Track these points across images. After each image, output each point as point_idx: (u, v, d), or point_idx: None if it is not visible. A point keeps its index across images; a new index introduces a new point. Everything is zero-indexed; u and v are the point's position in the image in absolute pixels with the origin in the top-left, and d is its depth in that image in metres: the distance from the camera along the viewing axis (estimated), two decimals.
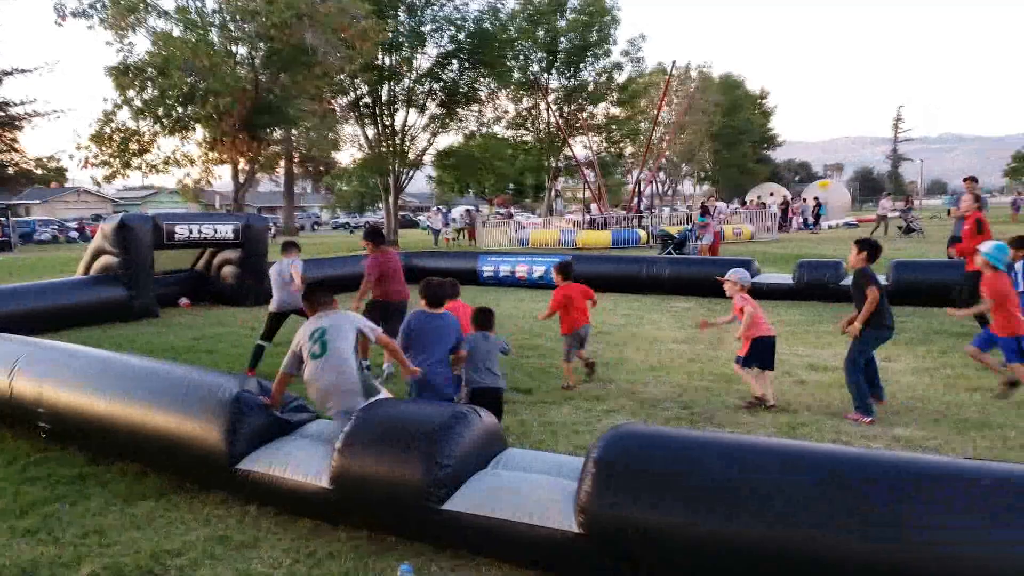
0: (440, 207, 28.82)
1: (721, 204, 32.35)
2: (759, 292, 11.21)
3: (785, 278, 11.44)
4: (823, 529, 2.53)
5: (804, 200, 35.37)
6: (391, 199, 28.40)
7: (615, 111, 36.40)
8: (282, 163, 37.52)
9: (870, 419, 5.06)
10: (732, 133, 54.05)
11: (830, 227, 33.31)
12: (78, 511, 3.82)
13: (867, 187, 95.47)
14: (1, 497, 4.01)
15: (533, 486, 3.20)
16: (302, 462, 3.61)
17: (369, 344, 4.41)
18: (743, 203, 36.96)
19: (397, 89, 26.73)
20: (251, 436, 3.81)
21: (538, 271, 13.72)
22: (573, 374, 6.32)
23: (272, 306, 7.26)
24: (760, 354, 5.59)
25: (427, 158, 30.50)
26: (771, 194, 37.91)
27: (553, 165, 34.86)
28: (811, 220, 31.98)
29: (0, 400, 4.81)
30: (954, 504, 2.45)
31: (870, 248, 5.36)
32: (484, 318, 4.91)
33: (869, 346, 5.32)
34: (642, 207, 30.81)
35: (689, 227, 19.98)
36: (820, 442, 4.45)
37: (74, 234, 41.05)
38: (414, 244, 26.28)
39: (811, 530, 2.55)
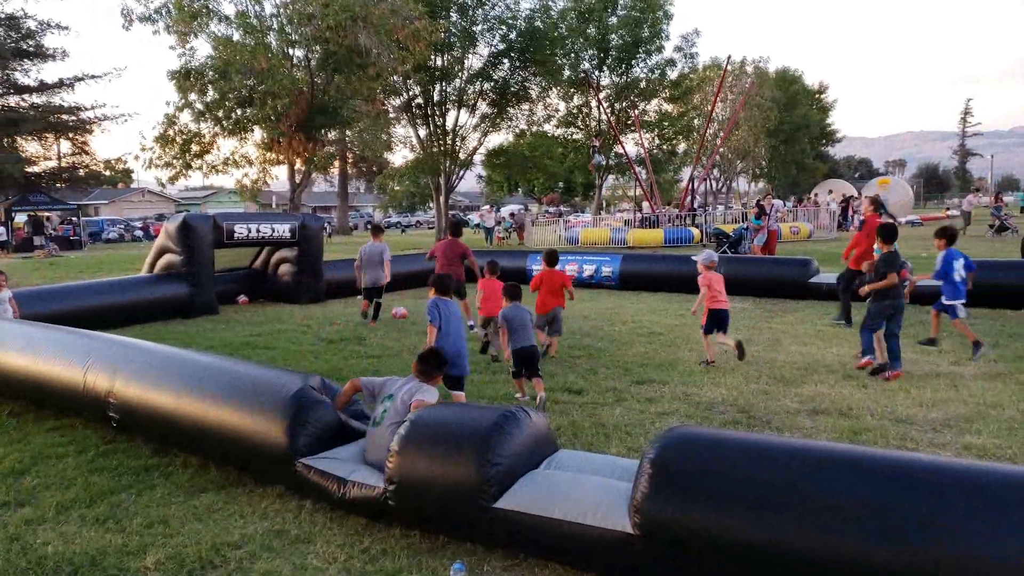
0: (492, 205, 28.83)
1: (778, 202, 31.57)
2: (817, 293, 10.93)
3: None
4: (886, 540, 2.42)
5: (859, 196, 34.18)
6: (442, 198, 28.65)
7: (668, 107, 35.87)
8: (336, 163, 38.28)
9: (866, 360, 6.42)
10: (789, 129, 52.65)
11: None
12: (143, 501, 3.96)
13: (932, 184, 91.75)
14: (72, 486, 4.18)
15: (586, 486, 3.17)
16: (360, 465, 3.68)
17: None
18: (799, 201, 35.99)
19: (448, 89, 26.94)
20: (313, 433, 3.87)
21: (588, 270, 13.62)
22: (545, 338, 7.29)
23: (366, 282, 9.61)
24: (717, 323, 6.90)
25: (477, 157, 30.67)
26: (829, 192, 36.76)
27: (592, 154, 34.62)
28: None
29: (75, 391, 5.01)
30: None
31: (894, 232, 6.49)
32: (514, 292, 6.01)
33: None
34: (695, 205, 30.28)
35: (744, 225, 19.54)
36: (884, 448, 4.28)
37: (139, 233, 42.81)
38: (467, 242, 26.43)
39: (873, 540, 2.44)
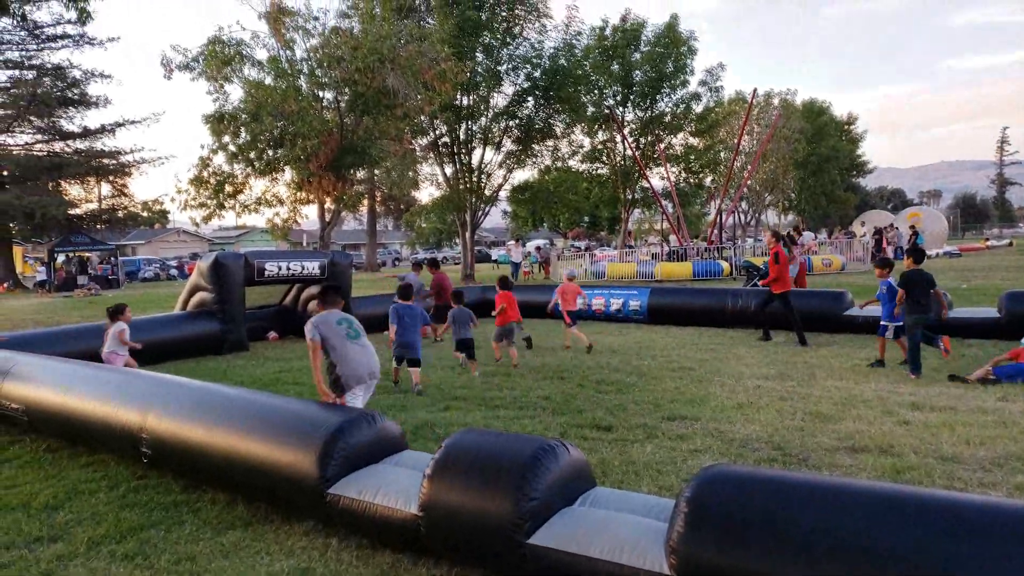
0: (517, 239, 28.78)
1: (807, 234, 31.20)
2: (852, 325, 10.68)
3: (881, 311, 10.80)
4: None
5: (895, 228, 33.60)
6: (467, 234, 28.86)
7: (693, 141, 35.91)
8: (365, 202, 38.90)
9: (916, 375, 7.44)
10: (817, 160, 52.28)
11: (929, 257, 31.51)
12: (172, 538, 3.95)
13: (969, 214, 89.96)
14: (103, 522, 4.19)
15: (622, 524, 3.09)
16: (392, 489, 3.63)
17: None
18: (830, 234, 35.50)
19: (474, 128, 27.34)
20: (343, 462, 3.85)
21: (616, 304, 13.52)
22: (499, 352, 9.26)
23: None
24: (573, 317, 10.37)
25: (502, 193, 30.91)
26: (862, 224, 36.22)
27: (629, 198, 34.61)
28: (906, 249, 30.34)
29: (108, 427, 5.06)
30: None
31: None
32: (459, 297, 9.00)
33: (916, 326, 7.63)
34: (724, 238, 30.04)
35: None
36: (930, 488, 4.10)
37: (174, 271, 43.76)
38: (489, 278, 26.51)
39: None
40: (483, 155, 28.10)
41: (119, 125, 33.78)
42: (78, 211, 33.75)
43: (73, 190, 34.20)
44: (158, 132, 40.73)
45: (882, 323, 8.37)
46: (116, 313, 8.28)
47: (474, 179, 27.89)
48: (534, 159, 29.34)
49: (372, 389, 5.56)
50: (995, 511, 2.45)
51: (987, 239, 51.66)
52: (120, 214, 34.53)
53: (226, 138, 19.60)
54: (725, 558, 2.65)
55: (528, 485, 3.16)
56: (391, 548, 3.68)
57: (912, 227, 31.80)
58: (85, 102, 33.18)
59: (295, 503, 4.04)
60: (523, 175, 38.53)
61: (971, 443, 5.17)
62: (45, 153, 32.84)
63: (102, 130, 33.64)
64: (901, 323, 8.03)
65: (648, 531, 3.01)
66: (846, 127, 62.87)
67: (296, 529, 4.00)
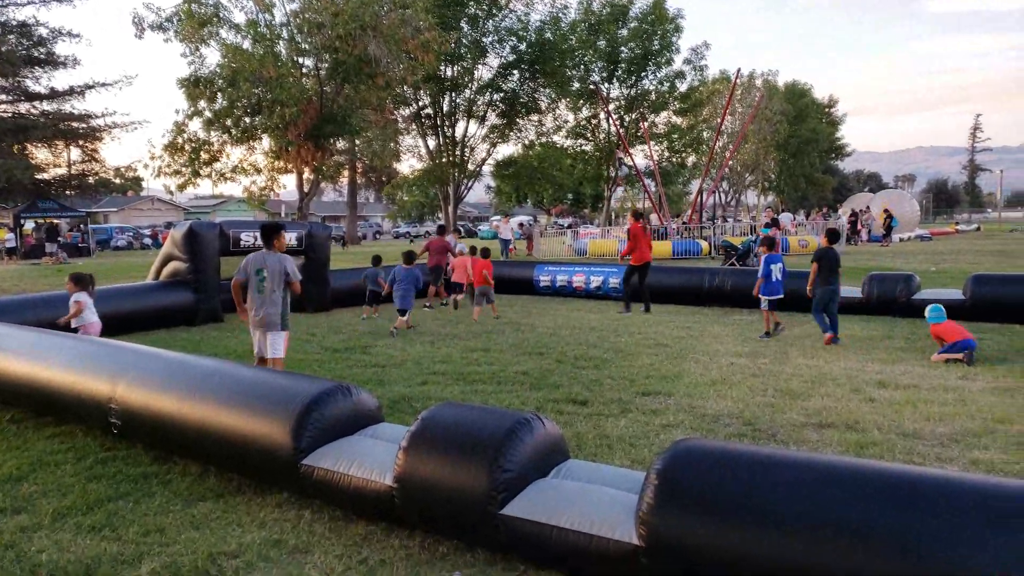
0: (506, 215, 28.31)
1: (785, 215, 31.47)
2: None
3: (854, 291, 10.97)
4: (895, 554, 2.36)
5: (869, 211, 33.96)
6: (450, 209, 28.69)
7: (677, 120, 35.89)
8: (345, 173, 38.41)
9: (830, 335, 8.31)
10: (798, 143, 52.56)
11: (901, 240, 31.96)
12: (140, 509, 3.91)
13: (941, 199, 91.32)
14: (69, 493, 4.14)
15: (593, 496, 3.13)
16: (367, 460, 3.62)
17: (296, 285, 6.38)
18: (807, 215, 35.83)
19: (458, 100, 27.04)
20: (318, 433, 3.82)
21: (596, 281, 13.57)
22: (480, 313, 10.94)
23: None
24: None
25: (486, 168, 30.71)
26: (838, 207, 36.57)
27: (612, 175, 34.58)
28: (882, 232, 30.71)
29: (76, 397, 4.99)
30: None
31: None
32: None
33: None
34: (704, 218, 30.19)
35: (753, 238, 19.47)
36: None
37: (148, 241, 42.99)
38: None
39: (882, 555, 2.38)
40: (467, 128, 27.86)
41: (89, 87, 32.75)
42: (46, 176, 32.87)
43: (40, 154, 33.23)
44: (131, 96, 39.97)
45: (760, 296, 9.11)
46: (78, 282, 7.54)
47: (457, 152, 27.66)
48: (518, 133, 29.16)
49: (268, 338, 6.12)
50: (951, 484, 2.52)
51: (956, 224, 52.57)
52: (91, 180, 33.71)
53: (202, 103, 19.18)
54: (694, 529, 2.70)
55: (503, 458, 3.19)
56: (365, 519, 3.70)
57: (886, 210, 32.22)
58: (52, 62, 32.12)
59: (269, 474, 4.03)
60: (507, 150, 38.32)
61: (931, 420, 5.31)
62: (10, 115, 31.82)
63: (71, 92, 32.61)
64: (782, 296, 9.10)
65: (619, 503, 3.06)
66: (827, 109, 63.19)
67: (269, 501, 3.99)
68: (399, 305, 10.01)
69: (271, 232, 6.20)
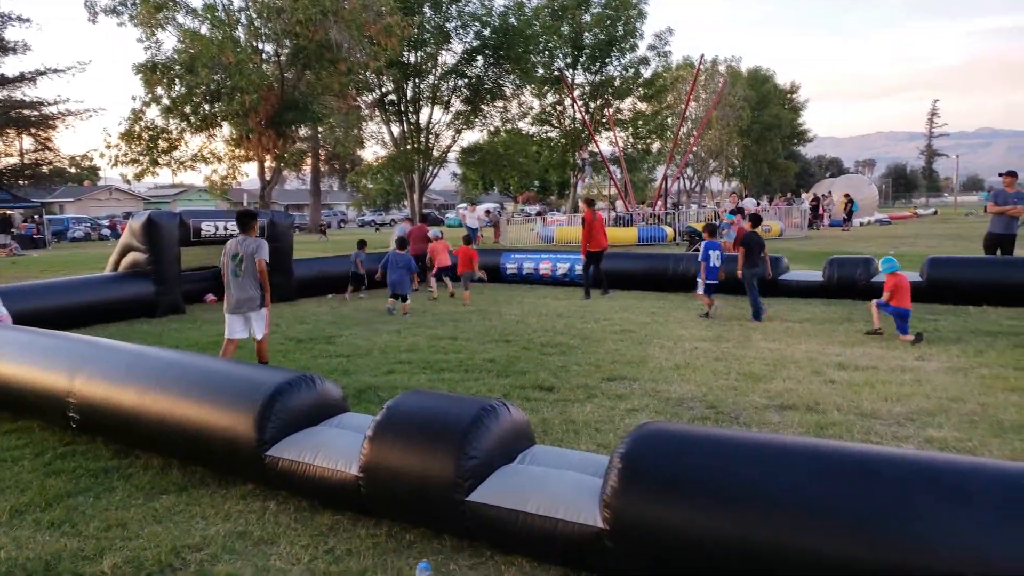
0: (472, 203, 28.02)
1: (749, 200, 31.92)
2: (788, 289, 11.05)
3: (815, 275, 11.21)
4: (853, 531, 2.44)
5: (830, 196, 34.62)
6: (416, 196, 28.48)
7: (642, 106, 36.06)
8: (308, 161, 37.84)
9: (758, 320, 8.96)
10: (760, 128, 53.27)
11: (861, 224, 32.69)
12: (101, 504, 3.85)
13: (899, 183, 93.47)
14: (27, 489, 4.05)
15: (558, 481, 3.17)
16: (332, 450, 3.60)
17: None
18: (770, 200, 36.39)
19: (422, 86, 26.78)
20: (282, 424, 3.79)
21: (562, 268, 13.63)
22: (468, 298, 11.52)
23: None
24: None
25: (451, 155, 30.53)
26: (802, 192, 37.22)
27: (578, 161, 34.65)
28: (843, 217, 31.37)
29: (32, 391, 4.86)
30: (992, 507, 2.34)
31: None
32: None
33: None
34: (668, 204, 30.47)
35: (717, 223, 19.72)
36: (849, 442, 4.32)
37: (106, 231, 41.91)
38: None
39: (840, 532, 2.46)
40: (431, 114, 27.64)
41: (40, 73, 31.70)
42: None
43: None
44: (85, 83, 38.62)
45: (699, 280, 9.74)
46: None
47: (422, 139, 27.43)
48: (483, 120, 29.00)
49: (251, 319, 6.48)
50: (906, 462, 2.60)
51: (915, 208, 53.92)
52: (44, 169, 32.70)
53: (159, 90, 18.69)
54: (657, 512, 2.74)
55: (469, 445, 3.20)
56: (331, 509, 3.69)
57: (846, 195, 32.91)
58: (1, 47, 31.00)
59: (233, 466, 3.99)
60: (472, 137, 38.12)
61: (889, 400, 5.47)
62: None
63: (21, 78, 31.53)
64: (715, 281, 9.63)
65: (583, 487, 3.09)
66: (789, 95, 64.09)
67: (233, 493, 3.95)
68: (398, 291, 10.35)
69: (246, 218, 6.61)
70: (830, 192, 35.96)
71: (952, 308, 9.52)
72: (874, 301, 7.98)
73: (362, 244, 13.17)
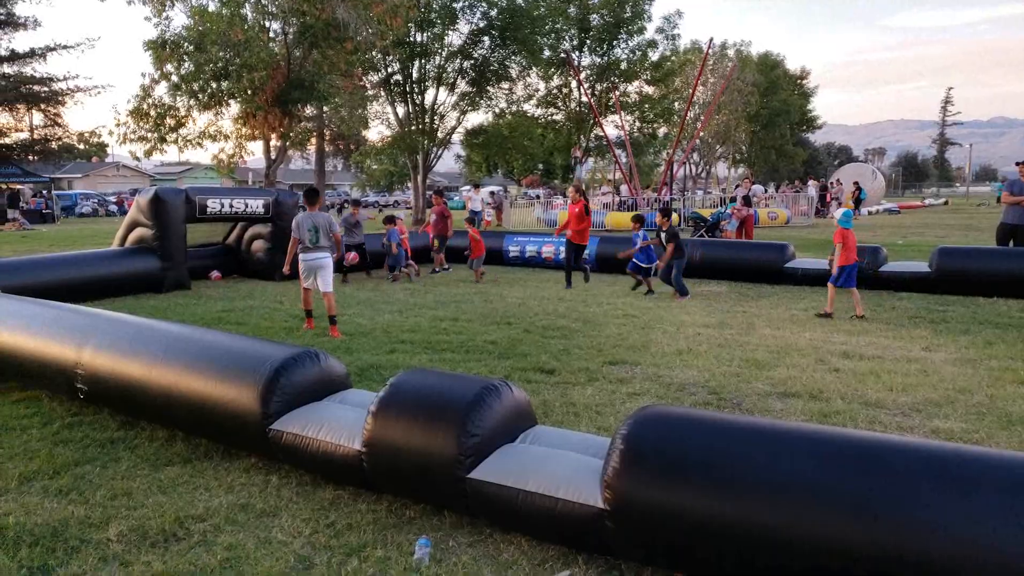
0: (476, 186, 27.77)
1: (758, 187, 31.75)
2: (793, 278, 11.02)
3: (821, 264, 11.16)
4: (853, 515, 2.46)
5: (840, 184, 34.38)
6: (419, 178, 28.39)
7: (649, 90, 35.75)
8: (314, 140, 37.68)
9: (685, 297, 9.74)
10: (769, 114, 52.78)
11: (869, 213, 32.50)
12: (107, 474, 3.90)
13: (910, 172, 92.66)
14: (35, 457, 4.10)
15: (559, 461, 3.19)
16: (336, 425, 3.63)
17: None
18: (777, 187, 36.16)
19: (428, 67, 26.60)
20: (286, 399, 3.81)
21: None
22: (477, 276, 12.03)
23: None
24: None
25: (456, 137, 30.36)
26: (809, 179, 36.97)
27: (583, 144, 34.44)
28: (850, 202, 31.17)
29: (42, 362, 4.91)
30: (997, 495, 2.35)
31: (669, 213, 10.77)
32: (391, 220, 12.30)
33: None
34: (674, 190, 30.32)
35: (723, 209, 19.65)
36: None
37: (113, 207, 41.95)
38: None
39: (840, 516, 2.47)
40: (436, 95, 27.45)
41: (50, 49, 31.58)
42: (7, 140, 31.80)
43: (1, 118, 32.10)
44: (94, 60, 38.48)
45: (640, 264, 10.46)
46: None
47: (427, 120, 27.29)
48: (489, 102, 28.80)
49: (321, 274, 7.52)
50: (909, 449, 2.61)
51: (924, 198, 53.53)
52: (54, 145, 32.65)
53: (169, 67, 18.61)
54: (658, 493, 2.76)
55: (471, 423, 3.22)
56: (333, 484, 3.73)
57: (855, 183, 32.69)
58: (12, 23, 30.85)
59: (237, 439, 4.03)
60: (477, 118, 37.89)
61: (894, 389, 5.45)
62: None
63: (32, 54, 31.42)
64: (648, 264, 10.33)
65: (584, 467, 3.11)
66: (799, 81, 63.42)
67: (236, 465, 4.00)
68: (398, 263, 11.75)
69: (313, 195, 7.77)
70: (839, 180, 35.73)
71: (961, 299, 9.46)
72: (829, 282, 8.50)
73: (390, 220, 12.58)
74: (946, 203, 46.35)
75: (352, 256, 11.82)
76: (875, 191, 37.42)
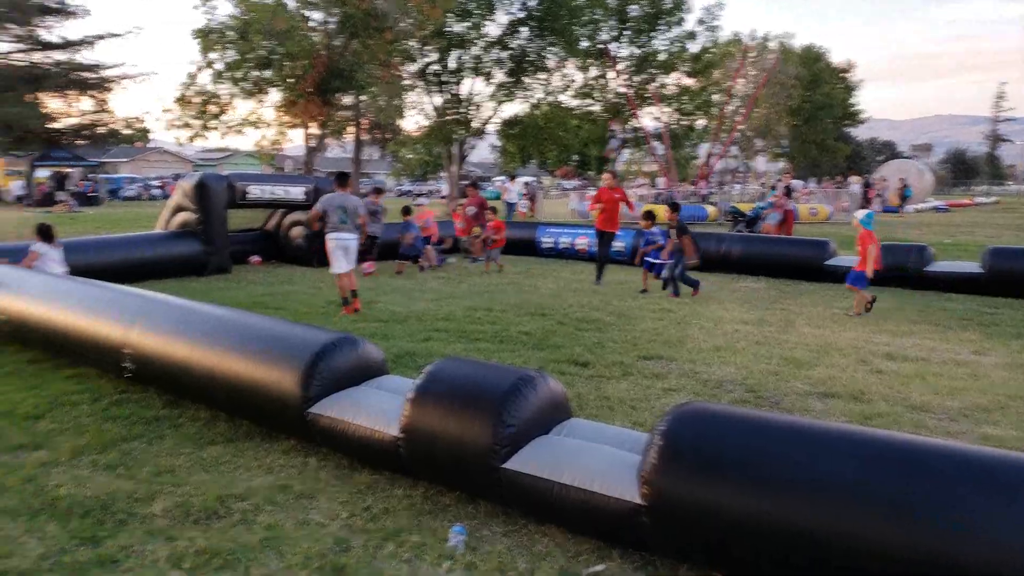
0: (512, 177, 27.58)
1: (797, 182, 31.16)
2: (832, 276, 10.79)
3: None
4: (893, 518, 2.41)
5: (885, 180, 33.53)
6: (454, 168, 28.47)
7: (688, 81, 35.21)
8: (350, 129, 38.01)
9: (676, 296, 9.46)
10: (811, 108, 51.62)
11: (916, 210, 31.62)
12: (153, 451, 4.01)
13: (960, 169, 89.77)
14: (85, 432, 4.25)
15: (595, 454, 3.18)
16: (373, 411, 3.68)
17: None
18: (817, 182, 35.40)
19: (465, 57, 26.59)
20: (325, 383, 3.87)
21: None
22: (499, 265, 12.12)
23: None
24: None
25: (491, 127, 30.33)
26: (851, 175, 36.14)
27: (608, 134, 34.04)
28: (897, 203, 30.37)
29: (91, 341, 5.07)
30: None
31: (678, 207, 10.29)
32: (406, 211, 12.14)
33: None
34: (713, 183, 29.88)
35: (762, 204, 19.34)
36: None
37: (157, 191, 42.97)
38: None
39: (880, 518, 2.43)
40: (472, 86, 27.46)
41: (99, 37, 32.46)
42: (57, 125, 32.79)
43: (53, 103, 33.10)
44: (137, 48, 39.34)
45: (649, 260, 10.27)
46: (38, 232, 7.82)
47: (462, 110, 27.31)
48: (525, 92, 28.69)
49: (348, 254, 8.01)
50: (954, 453, 2.55)
51: (973, 196, 51.88)
52: (100, 130, 33.58)
53: (214, 55, 18.98)
54: (697, 491, 2.73)
55: (506, 413, 3.23)
56: (369, 468, 3.78)
57: (901, 179, 31.85)
58: (64, 11, 31.77)
59: (277, 421, 4.11)
60: (513, 109, 37.75)
61: (941, 393, 5.28)
62: (25, 64, 31.58)
63: (82, 42, 32.33)
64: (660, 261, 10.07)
65: (620, 462, 3.09)
66: (842, 74, 61.85)
67: (276, 447, 4.08)
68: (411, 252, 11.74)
69: (344, 178, 8.41)
70: (884, 176, 34.84)
71: (1013, 301, 9.16)
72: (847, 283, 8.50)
73: (407, 211, 12.35)
74: (997, 202, 44.84)
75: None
76: (923, 189, 36.41)
